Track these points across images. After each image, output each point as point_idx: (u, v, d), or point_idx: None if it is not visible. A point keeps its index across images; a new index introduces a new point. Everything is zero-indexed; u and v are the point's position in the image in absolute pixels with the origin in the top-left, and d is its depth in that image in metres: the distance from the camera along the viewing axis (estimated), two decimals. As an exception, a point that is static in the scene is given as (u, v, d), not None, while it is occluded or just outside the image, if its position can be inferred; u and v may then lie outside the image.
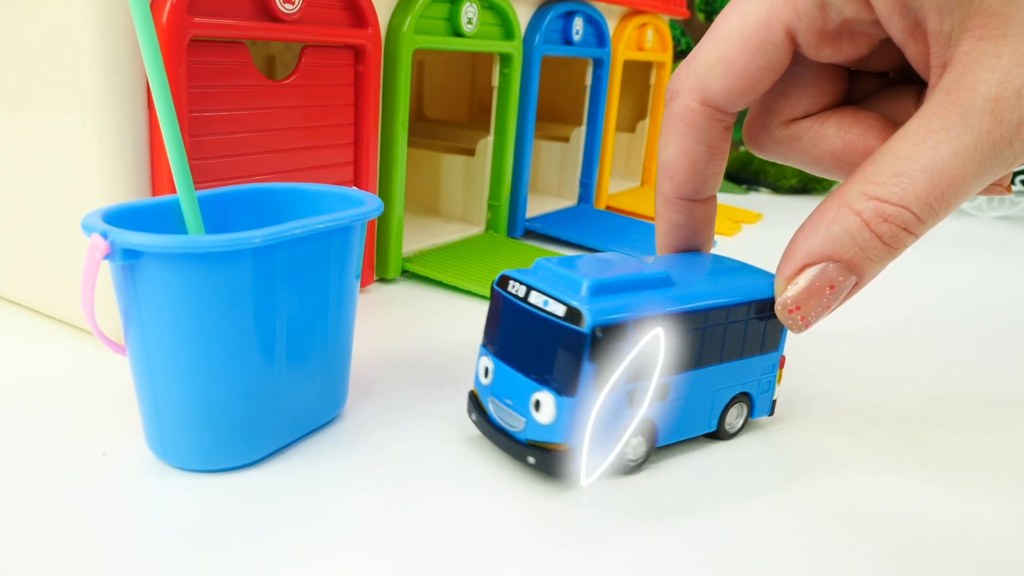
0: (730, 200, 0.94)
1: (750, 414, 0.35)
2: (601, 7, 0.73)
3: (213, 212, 0.33)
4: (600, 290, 0.29)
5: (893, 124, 0.30)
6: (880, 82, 0.32)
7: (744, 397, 0.34)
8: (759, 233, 0.78)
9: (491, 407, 0.32)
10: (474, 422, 0.33)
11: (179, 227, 0.31)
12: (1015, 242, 0.83)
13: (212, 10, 0.38)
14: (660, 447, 0.33)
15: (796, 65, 0.30)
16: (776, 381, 0.35)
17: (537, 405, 0.29)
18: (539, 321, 0.30)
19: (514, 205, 0.67)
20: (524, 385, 0.30)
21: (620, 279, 0.30)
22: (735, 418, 0.35)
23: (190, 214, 0.30)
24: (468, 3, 0.55)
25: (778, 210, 0.91)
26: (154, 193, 0.38)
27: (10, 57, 0.39)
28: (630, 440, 0.31)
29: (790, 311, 0.29)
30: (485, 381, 0.32)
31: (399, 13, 0.50)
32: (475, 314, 0.49)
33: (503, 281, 0.32)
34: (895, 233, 0.26)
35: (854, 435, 0.36)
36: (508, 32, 0.60)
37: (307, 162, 0.46)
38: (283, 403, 0.31)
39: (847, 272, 0.27)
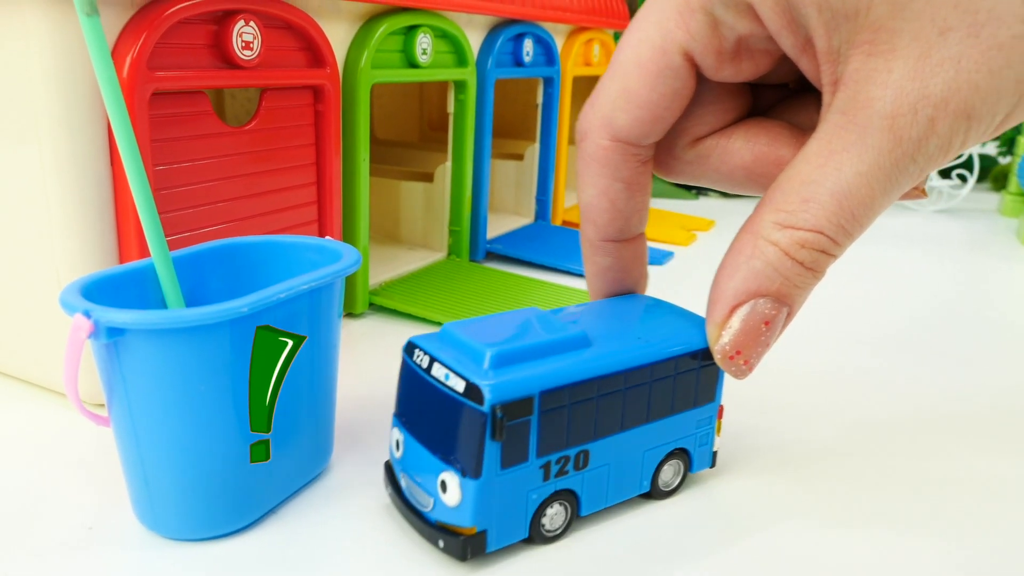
0: (681, 207, 0.96)
1: (688, 469, 0.33)
2: (548, 27, 0.73)
3: (188, 273, 0.33)
4: (503, 360, 0.27)
5: (800, 131, 0.30)
6: (781, 92, 0.32)
7: (680, 453, 0.33)
8: (713, 241, 0.80)
9: (403, 483, 0.30)
10: (389, 496, 0.31)
11: (157, 293, 0.31)
12: (954, 235, 0.86)
13: (171, 62, 0.37)
14: (585, 516, 0.31)
15: (697, 84, 0.29)
16: (715, 432, 0.34)
17: (443, 486, 0.28)
18: (441, 396, 0.28)
19: (475, 229, 0.67)
20: (431, 463, 0.28)
21: (526, 347, 0.28)
22: (671, 476, 0.33)
23: (169, 287, 0.29)
24: (422, 34, 0.55)
25: (729, 215, 0.92)
26: (120, 242, 0.38)
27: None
28: (546, 511, 0.29)
29: (731, 357, 0.28)
30: (397, 454, 0.30)
31: (355, 49, 0.50)
32: (447, 346, 0.49)
33: (410, 348, 0.30)
34: (815, 258, 0.26)
35: (795, 480, 0.35)
36: (461, 59, 0.60)
37: (272, 205, 0.45)
38: (273, 464, 0.31)
39: (778, 304, 0.27)
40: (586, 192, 0.31)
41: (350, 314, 0.54)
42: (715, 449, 0.34)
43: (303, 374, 0.31)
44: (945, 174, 1.09)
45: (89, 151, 0.36)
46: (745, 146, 0.30)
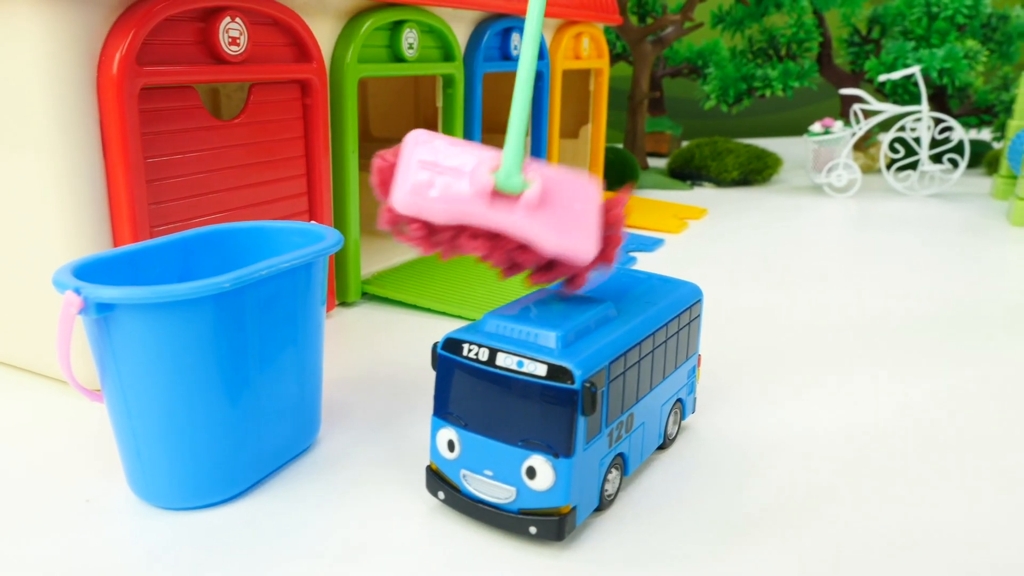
0: (675, 197, 0.97)
1: (682, 417, 0.36)
2: (537, 21, 0.75)
3: (176, 256, 0.34)
4: (568, 339, 0.28)
5: None
6: None
7: (677, 404, 0.35)
8: (704, 227, 0.81)
9: (465, 482, 0.29)
10: (443, 500, 0.30)
11: (148, 274, 0.32)
12: (947, 217, 0.87)
13: (160, 58, 0.39)
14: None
15: None
16: (696, 380, 0.37)
17: (531, 472, 0.28)
18: (514, 384, 0.28)
19: (467, 220, 0.68)
20: (509, 453, 0.28)
21: (578, 323, 0.29)
22: (672, 425, 0.35)
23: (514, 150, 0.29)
24: (408, 29, 0.56)
25: (722, 203, 0.94)
26: (114, 233, 0.39)
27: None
28: (608, 478, 0.30)
29: None
30: (451, 455, 0.30)
31: (342, 44, 0.51)
32: (436, 332, 0.51)
33: (452, 345, 0.29)
34: None
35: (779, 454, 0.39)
36: (448, 54, 0.62)
37: (263, 196, 0.47)
38: (260, 437, 0.32)
39: None
40: None
41: (343, 303, 0.56)
42: (695, 396, 0.37)
43: (288, 348, 0.32)
44: (937, 159, 1.09)
45: (83, 146, 0.37)
46: None
